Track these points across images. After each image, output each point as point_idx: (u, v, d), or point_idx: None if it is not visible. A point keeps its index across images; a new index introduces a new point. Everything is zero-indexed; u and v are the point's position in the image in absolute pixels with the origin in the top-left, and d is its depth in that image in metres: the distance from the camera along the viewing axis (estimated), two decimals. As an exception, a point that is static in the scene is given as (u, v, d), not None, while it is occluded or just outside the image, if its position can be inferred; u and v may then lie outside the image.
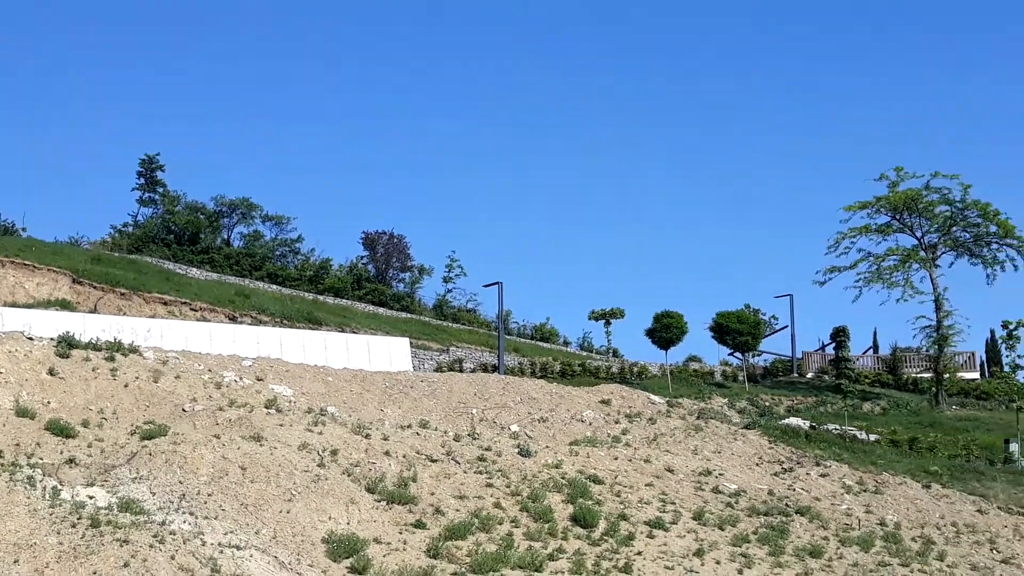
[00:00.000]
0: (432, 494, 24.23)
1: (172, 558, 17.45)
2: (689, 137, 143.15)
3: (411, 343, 43.62)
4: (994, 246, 50.25)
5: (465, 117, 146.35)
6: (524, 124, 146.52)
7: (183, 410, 26.96)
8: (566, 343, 66.80)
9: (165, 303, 44.62)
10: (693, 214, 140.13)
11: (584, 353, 62.11)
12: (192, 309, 44.67)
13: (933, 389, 48.74)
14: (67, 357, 28.59)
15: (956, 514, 29.30)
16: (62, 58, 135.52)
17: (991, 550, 26.86)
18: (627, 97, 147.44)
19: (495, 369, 43.86)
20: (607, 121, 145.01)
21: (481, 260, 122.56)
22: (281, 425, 26.16)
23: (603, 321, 55.40)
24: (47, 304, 39.29)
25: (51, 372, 27.39)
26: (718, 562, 23.27)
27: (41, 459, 21.51)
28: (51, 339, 29.95)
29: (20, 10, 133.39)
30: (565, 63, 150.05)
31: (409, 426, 29.81)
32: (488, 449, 28.29)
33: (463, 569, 20.48)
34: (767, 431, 35.71)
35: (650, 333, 47.11)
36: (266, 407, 27.93)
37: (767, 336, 59.06)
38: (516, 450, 28.73)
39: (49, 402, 25.80)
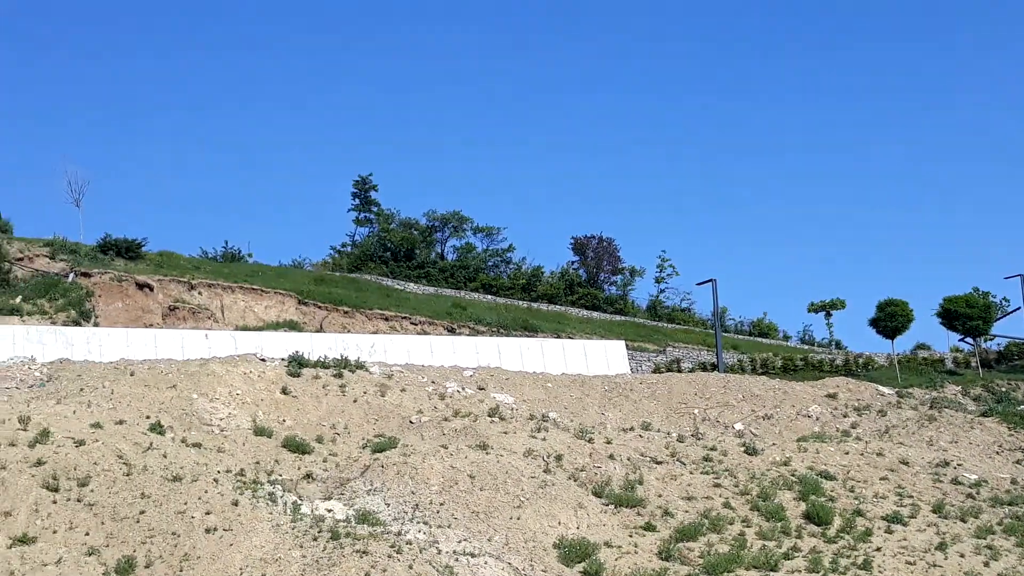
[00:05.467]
0: (659, 496, 24.09)
1: (410, 567, 17.88)
2: (909, 117, 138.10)
3: (627, 345, 43.48)
4: None
5: (667, 116, 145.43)
6: (727, 116, 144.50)
7: (410, 422, 27.65)
8: (786, 337, 65.35)
9: (386, 319, 45.84)
10: (912, 197, 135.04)
11: (805, 347, 60.61)
12: (412, 323, 45.72)
13: None
14: (298, 376, 29.70)
15: None
16: (265, 89, 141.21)
17: None
18: (842, 78, 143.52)
19: (714, 368, 43.23)
20: (815, 105, 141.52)
21: (692, 258, 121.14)
22: (505, 433, 26.49)
23: (823, 313, 54.01)
24: (276, 326, 40.94)
25: (284, 391, 28.49)
26: (962, 555, 22.29)
27: (280, 475, 22.40)
28: (282, 359, 31.24)
29: (221, 42, 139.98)
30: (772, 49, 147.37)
31: (631, 428, 29.73)
32: (713, 449, 27.94)
33: (696, 570, 20.29)
34: (1006, 418, 34.07)
35: (874, 323, 45.54)
36: (489, 416, 28.34)
37: (999, 319, 56.30)
38: (742, 449, 28.26)
39: (284, 420, 26.86)
